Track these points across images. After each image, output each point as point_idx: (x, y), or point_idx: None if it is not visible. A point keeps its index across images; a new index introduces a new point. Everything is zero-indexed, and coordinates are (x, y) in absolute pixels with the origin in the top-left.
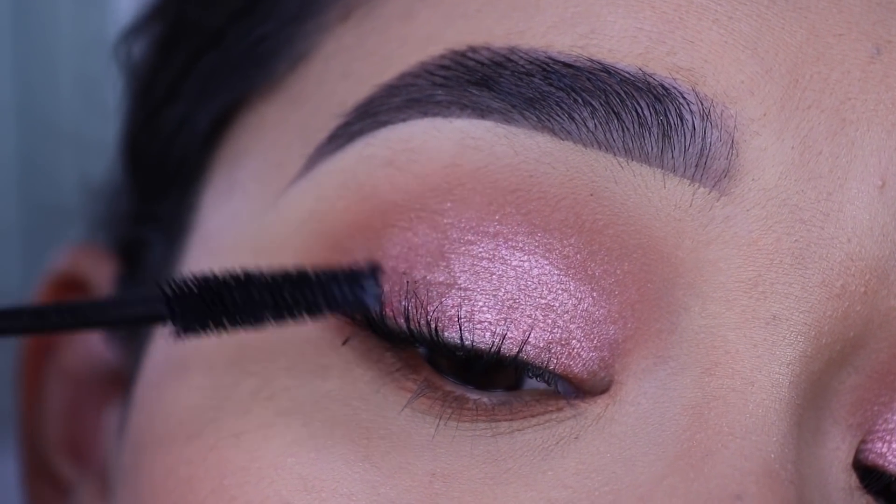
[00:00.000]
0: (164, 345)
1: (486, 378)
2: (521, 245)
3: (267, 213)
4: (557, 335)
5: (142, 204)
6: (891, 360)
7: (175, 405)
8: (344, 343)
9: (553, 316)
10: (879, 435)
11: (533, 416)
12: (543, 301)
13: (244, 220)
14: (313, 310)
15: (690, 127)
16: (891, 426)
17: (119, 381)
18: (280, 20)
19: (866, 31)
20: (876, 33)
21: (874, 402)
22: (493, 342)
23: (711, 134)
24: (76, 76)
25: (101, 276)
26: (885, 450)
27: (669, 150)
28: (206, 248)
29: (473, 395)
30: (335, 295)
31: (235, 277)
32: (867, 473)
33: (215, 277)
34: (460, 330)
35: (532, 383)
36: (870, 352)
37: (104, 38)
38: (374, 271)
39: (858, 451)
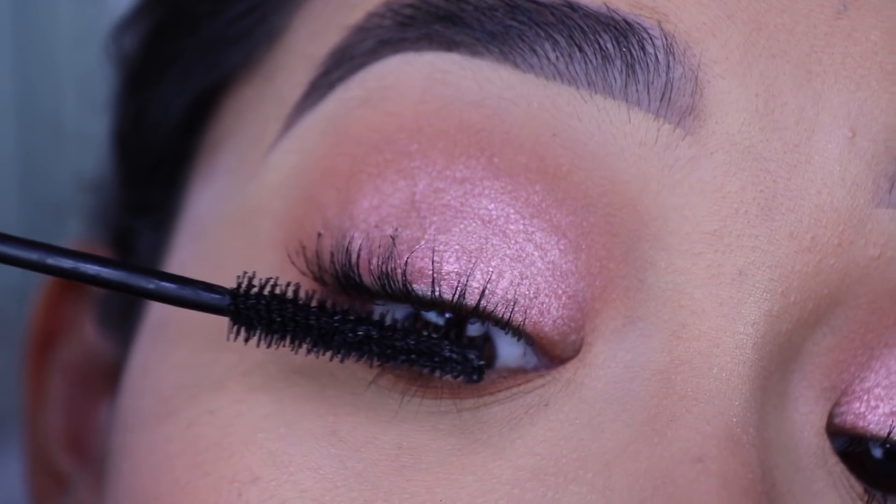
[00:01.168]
0: (150, 330)
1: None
2: (487, 191)
3: (248, 183)
4: (525, 287)
5: (132, 193)
6: (869, 316)
7: (158, 384)
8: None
9: (520, 267)
10: (857, 395)
11: (499, 391)
12: (510, 251)
13: (227, 196)
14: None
15: (654, 59)
16: (867, 385)
17: (115, 376)
18: (253, 3)
19: None
20: None
21: (850, 363)
22: (459, 292)
23: (675, 69)
24: (77, 73)
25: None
26: (863, 409)
27: (634, 83)
28: (191, 231)
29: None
30: (441, 352)
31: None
32: (845, 436)
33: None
34: (432, 284)
35: (504, 360)
36: (847, 309)
37: (105, 34)
38: (480, 346)
39: (834, 415)
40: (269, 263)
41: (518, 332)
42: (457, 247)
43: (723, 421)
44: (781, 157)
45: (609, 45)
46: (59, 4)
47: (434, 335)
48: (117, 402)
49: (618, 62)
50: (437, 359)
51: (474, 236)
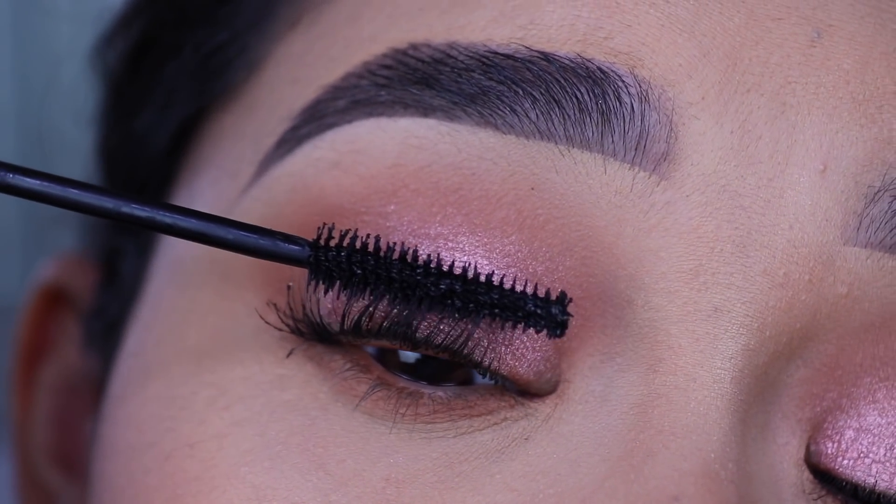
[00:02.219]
0: (126, 358)
1: (440, 375)
2: (461, 246)
3: None
4: (500, 335)
5: None
6: (838, 353)
7: (136, 415)
8: (288, 355)
9: None
10: (828, 434)
11: (489, 412)
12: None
13: None
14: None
15: (629, 109)
16: (839, 424)
17: (101, 391)
18: (235, 30)
19: (806, 15)
20: (816, 17)
21: (822, 396)
22: (437, 343)
23: (650, 116)
24: (76, 76)
25: (85, 286)
26: (833, 451)
27: (609, 134)
28: (169, 258)
29: (427, 390)
30: (526, 305)
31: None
32: (820, 473)
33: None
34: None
35: (483, 380)
36: (818, 343)
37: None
38: (565, 299)
39: (810, 451)
40: (243, 304)
41: (494, 375)
42: None
43: (700, 457)
44: (756, 192)
45: (586, 97)
46: (59, 4)
47: (517, 289)
48: (97, 430)
49: (594, 114)
50: (520, 313)
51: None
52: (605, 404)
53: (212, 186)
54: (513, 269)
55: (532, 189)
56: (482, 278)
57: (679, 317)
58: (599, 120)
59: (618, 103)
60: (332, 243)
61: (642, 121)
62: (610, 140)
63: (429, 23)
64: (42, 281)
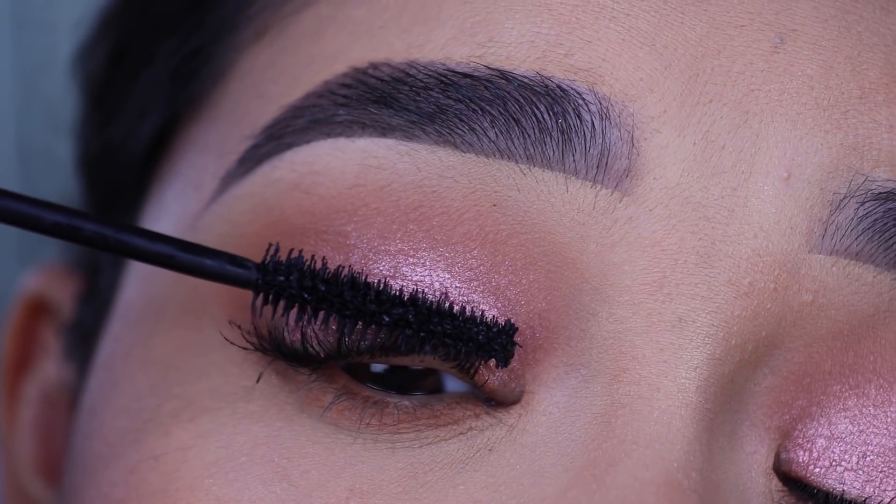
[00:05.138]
0: (97, 371)
1: (409, 383)
2: (422, 261)
3: (186, 234)
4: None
5: None
6: (806, 360)
7: (103, 427)
8: (258, 380)
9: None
10: (799, 442)
11: (455, 422)
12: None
13: None
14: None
15: (590, 127)
16: (810, 432)
17: None
18: (201, 40)
19: (769, 20)
20: (779, 22)
21: (791, 405)
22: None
23: (612, 133)
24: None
25: (67, 297)
26: (805, 459)
27: (570, 153)
28: (137, 271)
29: (394, 399)
30: (472, 333)
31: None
32: (790, 482)
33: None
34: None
35: (453, 385)
36: (785, 351)
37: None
38: (511, 330)
39: (780, 460)
40: (209, 318)
41: (461, 381)
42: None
43: (662, 466)
44: (720, 202)
45: (545, 116)
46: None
47: (467, 319)
48: (70, 442)
49: (555, 133)
50: (470, 343)
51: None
52: (569, 415)
53: (177, 199)
54: (475, 283)
55: (494, 205)
56: (434, 305)
57: (643, 328)
58: (560, 139)
59: (578, 121)
60: (285, 256)
61: (603, 138)
62: (571, 159)
63: (389, 41)
64: (26, 292)
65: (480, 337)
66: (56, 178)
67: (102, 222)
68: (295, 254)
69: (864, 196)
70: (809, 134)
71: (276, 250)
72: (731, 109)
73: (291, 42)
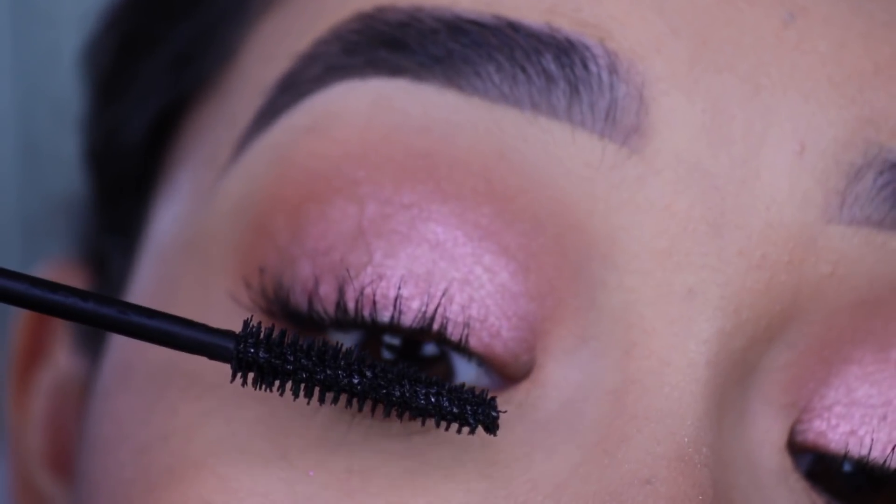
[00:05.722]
0: (112, 355)
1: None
2: (434, 215)
3: (202, 208)
4: (474, 311)
5: (103, 213)
6: (826, 332)
7: (116, 409)
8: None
9: (469, 290)
10: (817, 412)
11: None
12: (459, 275)
13: (183, 220)
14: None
15: (597, 79)
16: (827, 402)
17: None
18: (207, 22)
19: None
20: None
21: (809, 378)
22: (410, 318)
23: (619, 87)
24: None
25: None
26: (824, 427)
27: (577, 104)
28: (152, 254)
29: None
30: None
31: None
32: (807, 455)
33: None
34: (374, 307)
35: (461, 378)
36: (801, 325)
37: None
38: (493, 401)
39: (795, 433)
40: (223, 291)
41: (470, 354)
42: (404, 272)
43: (674, 441)
44: (730, 172)
45: (552, 66)
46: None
47: (448, 390)
48: (82, 428)
49: (561, 83)
50: (450, 414)
51: (422, 261)
52: (580, 390)
53: (190, 179)
54: (486, 242)
55: (501, 158)
56: (412, 372)
57: (653, 299)
58: (567, 88)
59: (586, 73)
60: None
61: (611, 91)
62: (578, 109)
63: None
64: None
65: (468, 411)
66: (57, 174)
67: (76, 293)
68: (307, 212)
69: (882, 165)
70: (823, 109)
71: (257, 326)
72: (741, 81)
73: (297, 6)
